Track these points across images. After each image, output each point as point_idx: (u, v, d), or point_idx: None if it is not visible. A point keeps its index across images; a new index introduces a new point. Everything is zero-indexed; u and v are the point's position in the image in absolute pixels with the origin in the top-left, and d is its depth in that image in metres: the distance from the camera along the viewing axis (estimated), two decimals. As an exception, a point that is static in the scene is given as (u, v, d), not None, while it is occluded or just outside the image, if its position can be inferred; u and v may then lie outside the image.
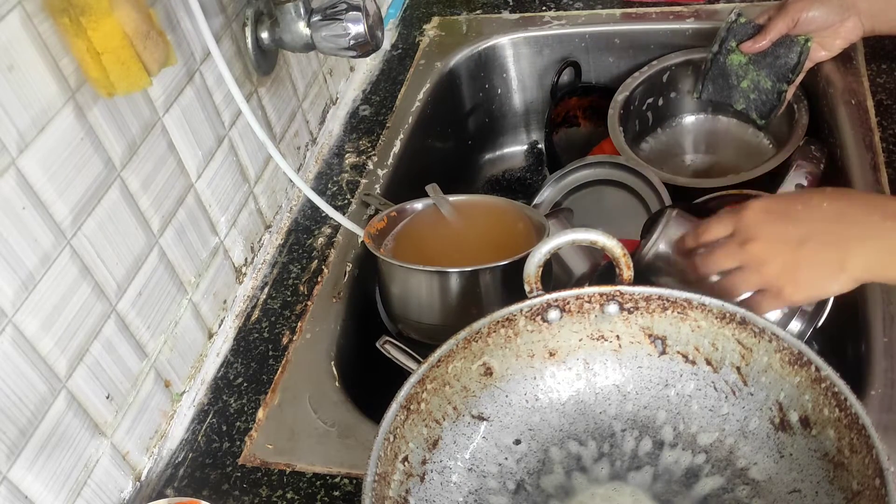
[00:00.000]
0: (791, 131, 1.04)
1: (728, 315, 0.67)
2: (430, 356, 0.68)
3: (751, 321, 0.66)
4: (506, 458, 0.71)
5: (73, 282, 0.68)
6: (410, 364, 0.79)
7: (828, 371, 0.61)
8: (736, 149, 1.18)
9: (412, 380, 0.66)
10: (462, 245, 0.92)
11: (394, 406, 0.64)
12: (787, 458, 0.65)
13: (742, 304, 0.67)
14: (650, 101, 1.19)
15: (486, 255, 0.83)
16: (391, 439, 0.63)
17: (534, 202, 1.13)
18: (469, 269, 0.83)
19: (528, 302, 0.70)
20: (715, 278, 0.72)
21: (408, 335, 0.91)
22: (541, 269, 0.70)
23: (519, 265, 0.73)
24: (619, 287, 0.70)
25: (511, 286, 0.82)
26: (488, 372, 0.72)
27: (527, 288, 0.71)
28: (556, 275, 0.94)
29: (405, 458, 0.65)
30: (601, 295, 0.71)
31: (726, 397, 0.70)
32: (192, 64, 0.83)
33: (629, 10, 1.26)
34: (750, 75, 1.04)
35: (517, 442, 0.72)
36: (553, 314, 0.71)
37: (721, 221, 0.70)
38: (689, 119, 1.22)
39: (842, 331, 0.83)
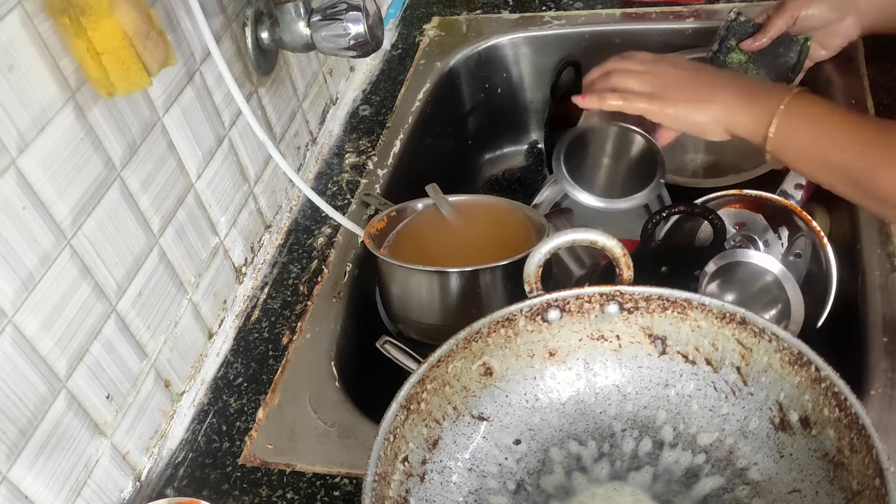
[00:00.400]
0: (791, 131, 1.04)
1: (728, 315, 0.67)
2: (430, 356, 0.68)
3: (751, 321, 0.66)
4: (506, 458, 0.71)
5: (73, 282, 0.68)
6: (410, 364, 0.79)
7: (828, 371, 0.61)
8: (736, 149, 1.17)
9: (412, 380, 0.66)
10: (462, 245, 0.92)
11: (394, 406, 0.64)
12: (787, 458, 0.65)
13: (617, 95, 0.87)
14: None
15: (486, 255, 0.83)
16: (391, 439, 0.63)
17: (534, 202, 1.13)
18: (469, 269, 0.83)
19: (528, 302, 0.70)
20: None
21: (408, 335, 0.91)
22: (541, 269, 0.70)
23: (519, 265, 0.73)
24: (619, 287, 0.70)
25: (511, 286, 0.82)
26: (488, 372, 0.72)
27: (527, 288, 0.71)
28: (555, 275, 0.94)
29: (405, 458, 0.65)
30: (601, 295, 0.71)
31: (726, 397, 0.70)
32: (192, 64, 0.83)
33: (629, 10, 1.26)
34: (750, 74, 1.04)
35: (517, 442, 0.72)
36: (553, 314, 0.71)
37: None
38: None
39: (842, 331, 0.83)
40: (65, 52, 0.65)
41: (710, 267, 0.85)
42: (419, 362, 0.69)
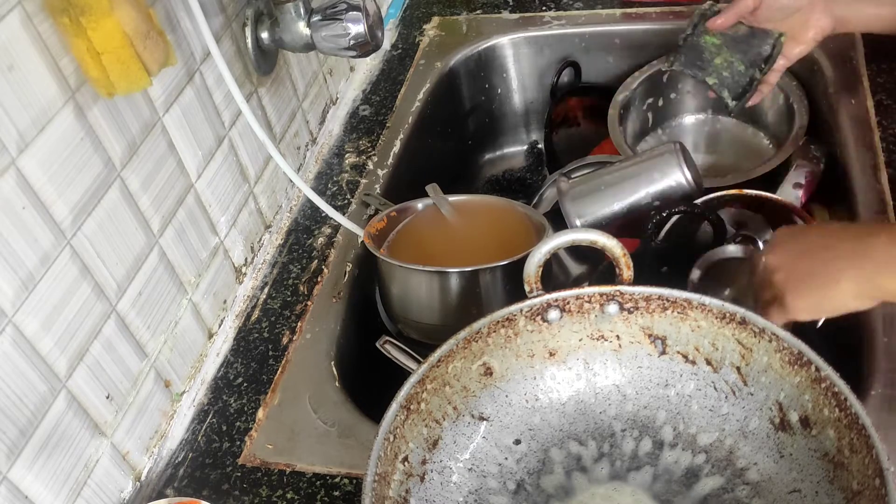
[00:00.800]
0: (791, 131, 1.04)
1: (728, 315, 0.67)
2: (430, 356, 0.68)
3: (751, 321, 0.66)
4: (506, 458, 0.71)
5: (73, 282, 0.68)
6: (410, 364, 0.79)
7: (828, 371, 0.61)
8: (736, 149, 1.18)
9: (412, 380, 0.66)
10: (462, 245, 0.92)
11: (394, 406, 0.64)
12: (787, 458, 0.65)
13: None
14: (650, 101, 1.19)
15: (486, 255, 0.83)
16: (391, 439, 0.63)
17: (534, 202, 1.13)
18: (469, 269, 0.83)
19: (528, 302, 0.70)
20: None
21: (408, 335, 0.91)
22: (541, 269, 0.70)
23: (519, 265, 0.73)
24: (619, 287, 0.70)
25: (511, 286, 0.82)
26: (488, 372, 0.72)
27: (527, 288, 0.71)
28: (555, 275, 0.94)
29: (405, 458, 0.65)
30: (601, 295, 0.71)
31: (726, 397, 0.70)
32: (192, 64, 0.83)
33: (629, 10, 1.26)
34: (723, 54, 1.02)
35: (517, 442, 0.72)
36: (553, 314, 0.71)
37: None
38: (689, 119, 1.22)
39: (842, 331, 0.83)
40: (65, 52, 0.65)
41: (695, 274, 0.84)
42: (419, 362, 0.69)
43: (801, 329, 0.76)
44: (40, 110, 0.63)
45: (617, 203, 0.91)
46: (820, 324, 0.83)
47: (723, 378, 0.70)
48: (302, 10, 0.91)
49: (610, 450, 0.71)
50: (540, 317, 0.71)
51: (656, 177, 0.89)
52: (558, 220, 0.93)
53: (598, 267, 0.97)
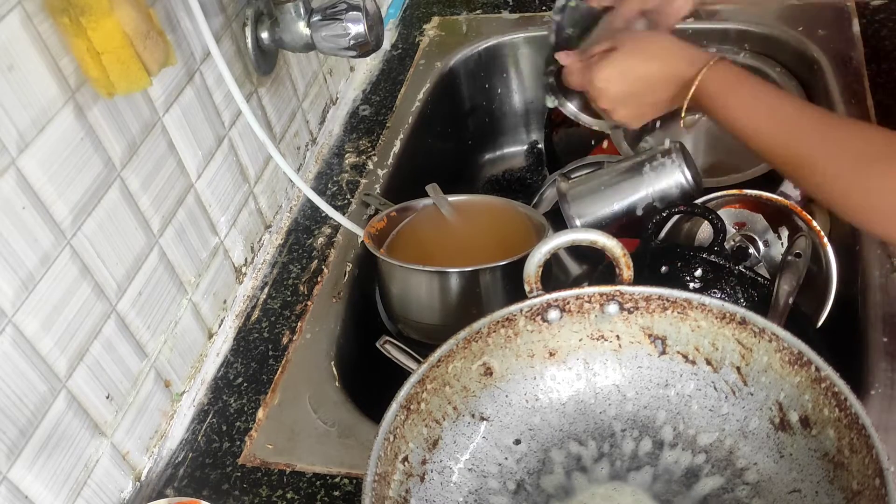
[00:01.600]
0: (791, 131, 1.04)
1: (728, 315, 0.67)
2: (430, 356, 0.68)
3: (751, 321, 0.66)
4: (506, 458, 0.71)
5: (73, 282, 0.68)
6: (410, 364, 0.79)
7: (828, 371, 0.61)
8: (736, 149, 1.17)
9: (412, 380, 0.66)
10: (462, 245, 0.92)
11: (394, 406, 0.64)
12: (787, 458, 0.65)
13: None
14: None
15: (486, 255, 0.83)
16: (391, 439, 0.63)
17: (534, 202, 1.13)
18: (469, 269, 0.83)
19: (528, 302, 0.70)
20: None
21: (408, 335, 0.91)
22: (541, 269, 0.70)
23: (519, 265, 0.73)
24: (619, 287, 0.70)
25: (511, 286, 0.82)
26: (488, 372, 0.72)
27: (527, 288, 0.71)
28: (555, 275, 0.94)
29: (405, 458, 0.65)
30: (601, 295, 0.71)
31: (726, 397, 0.70)
32: (192, 64, 0.83)
33: (629, 10, 1.26)
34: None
35: (517, 442, 0.72)
36: (553, 314, 0.71)
37: (574, 68, 0.92)
38: (688, 119, 1.21)
39: (842, 331, 0.83)
40: (65, 52, 0.65)
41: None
42: (419, 362, 0.69)
43: (800, 329, 0.76)
44: (40, 110, 0.63)
45: (617, 203, 0.91)
46: (819, 324, 0.83)
47: (723, 378, 0.70)
48: (302, 10, 0.91)
49: (610, 450, 0.71)
50: (540, 317, 0.71)
51: (656, 177, 0.89)
52: (558, 220, 0.94)
53: (598, 267, 0.97)
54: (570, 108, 1.03)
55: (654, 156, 0.90)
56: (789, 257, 0.84)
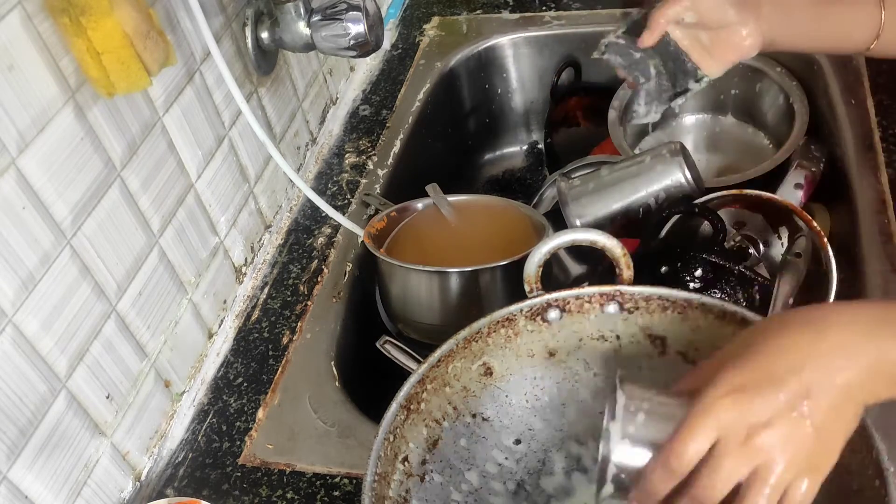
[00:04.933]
0: (791, 131, 1.04)
1: (728, 315, 0.67)
2: (431, 356, 0.68)
3: (751, 321, 0.66)
4: (506, 459, 0.71)
5: (73, 282, 0.68)
6: (410, 364, 0.79)
7: None
8: (736, 149, 1.17)
9: (412, 379, 0.66)
10: (462, 245, 0.92)
11: (394, 406, 0.64)
12: None
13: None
14: None
15: (486, 255, 0.83)
16: (391, 439, 0.63)
17: (534, 202, 1.13)
18: (469, 269, 0.83)
19: (528, 302, 0.70)
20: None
21: (408, 335, 0.91)
22: (541, 269, 0.70)
23: (519, 265, 0.73)
24: (619, 287, 0.70)
25: (511, 286, 0.82)
26: (488, 372, 0.72)
27: (527, 288, 0.71)
28: (554, 275, 0.94)
29: (405, 459, 0.65)
30: (601, 295, 0.71)
31: None
32: (192, 64, 0.83)
33: (629, 10, 1.26)
34: (655, 60, 0.91)
35: (517, 442, 0.72)
36: (553, 314, 0.71)
37: (694, 430, 0.50)
38: (689, 119, 1.21)
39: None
40: (65, 52, 0.65)
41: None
42: (419, 362, 0.69)
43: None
44: (40, 110, 0.63)
45: (617, 203, 0.91)
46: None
47: None
48: (302, 10, 0.91)
49: None
50: (540, 317, 0.71)
51: (656, 177, 0.89)
52: (558, 220, 0.93)
53: (597, 267, 0.97)
54: None
55: (654, 156, 0.90)
56: (789, 257, 0.84)
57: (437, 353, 0.68)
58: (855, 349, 0.52)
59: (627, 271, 0.70)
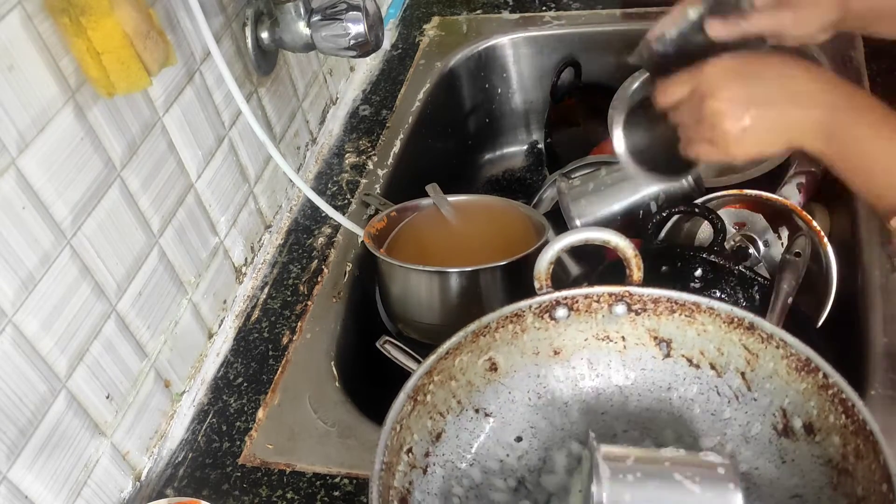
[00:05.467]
0: (791, 131, 1.04)
1: (736, 320, 0.67)
2: (439, 347, 0.67)
3: (759, 326, 0.66)
4: (507, 455, 0.71)
5: (73, 282, 0.68)
6: (410, 364, 0.79)
7: (836, 378, 0.61)
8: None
9: (420, 370, 0.66)
10: (462, 245, 0.92)
11: (401, 396, 0.64)
12: (789, 464, 0.65)
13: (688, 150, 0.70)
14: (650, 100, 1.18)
15: (486, 255, 0.83)
16: (398, 429, 0.63)
17: (534, 202, 1.13)
18: (469, 269, 0.83)
19: (537, 298, 0.70)
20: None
21: (408, 335, 0.91)
22: (552, 265, 0.70)
23: (519, 265, 0.73)
24: (628, 288, 0.70)
25: (511, 286, 0.82)
26: (493, 367, 0.72)
27: (536, 285, 0.70)
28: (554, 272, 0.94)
29: (409, 450, 0.65)
30: (610, 295, 0.71)
31: (729, 402, 0.70)
32: (192, 64, 0.83)
33: (629, 10, 1.26)
34: None
35: (519, 439, 0.72)
36: (561, 312, 0.71)
37: (679, 81, 0.69)
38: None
39: (842, 331, 0.83)
40: (65, 52, 0.65)
41: (617, 120, 0.78)
42: (419, 362, 0.69)
43: (801, 329, 0.76)
44: (40, 110, 0.63)
45: (617, 203, 0.91)
46: (819, 324, 0.83)
47: (726, 383, 0.70)
48: (302, 10, 0.91)
49: None
50: (548, 314, 0.71)
51: None
52: (558, 220, 0.94)
53: (597, 268, 0.97)
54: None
55: None
56: (789, 257, 0.84)
57: (447, 345, 0.67)
58: (814, 101, 0.65)
59: (638, 272, 0.70)
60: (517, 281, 0.73)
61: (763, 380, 0.67)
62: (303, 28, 0.92)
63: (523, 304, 0.70)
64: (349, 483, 0.76)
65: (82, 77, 0.66)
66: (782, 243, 0.91)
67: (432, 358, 0.67)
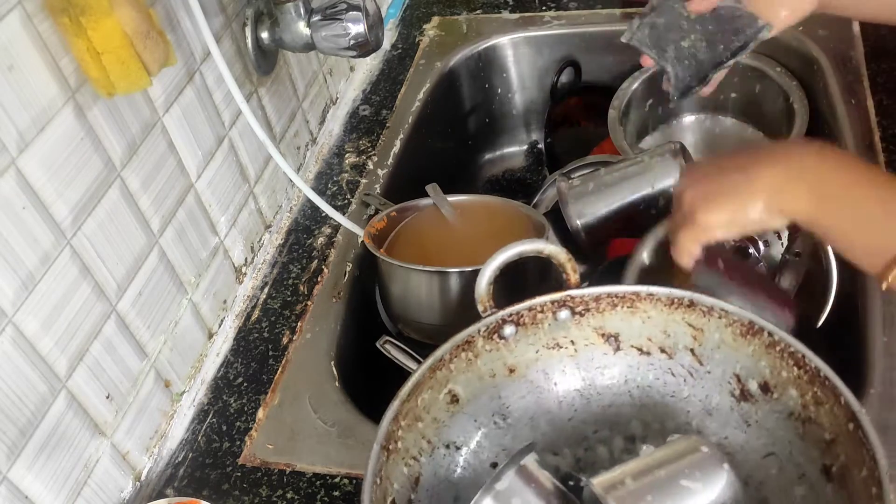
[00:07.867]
0: (791, 131, 1.04)
1: (676, 300, 0.68)
2: (400, 391, 0.66)
3: (698, 302, 0.67)
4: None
5: (73, 282, 0.68)
6: (410, 364, 0.79)
7: (781, 334, 0.63)
8: (735, 148, 1.17)
9: (387, 417, 0.64)
10: (462, 245, 0.92)
11: (375, 448, 0.63)
12: (755, 426, 0.67)
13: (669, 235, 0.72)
14: (650, 101, 1.19)
15: (486, 255, 0.83)
16: (378, 482, 0.62)
17: (534, 202, 1.13)
18: (469, 269, 0.83)
19: (483, 321, 0.70)
20: None
21: (408, 335, 0.91)
22: (492, 286, 0.70)
23: (519, 265, 0.72)
24: (568, 292, 0.70)
25: (510, 286, 0.82)
26: (455, 399, 0.71)
27: (480, 308, 0.70)
28: (555, 276, 0.94)
29: (392, 501, 0.64)
30: (552, 302, 0.71)
31: (685, 380, 0.71)
32: (192, 64, 0.83)
33: (629, 10, 1.26)
34: (694, 36, 0.86)
35: (494, 465, 0.71)
36: (508, 330, 0.71)
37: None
38: (688, 119, 1.22)
39: (842, 331, 0.83)
40: (65, 52, 0.65)
41: (643, 256, 0.81)
42: (419, 362, 0.69)
43: (800, 329, 0.77)
44: (40, 110, 0.63)
45: (617, 203, 0.91)
46: (819, 324, 0.83)
47: (678, 363, 0.71)
48: (302, 10, 0.91)
49: (585, 454, 0.71)
50: (496, 334, 0.71)
51: (656, 177, 0.89)
52: (558, 220, 0.93)
53: (597, 267, 0.97)
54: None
55: (654, 156, 0.90)
56: (789, 257, 0.84)
57: (406, 388, 0.66)
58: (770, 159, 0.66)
59: (574, 275, 0.71)
60: (517, 281, 0.73)
61: (712, 351, 0.69)
62: (303, 28, 0.92)
63: (472, 329, 0.70)
64: (349, 483, 0.76)
65: (82, 77, 0.66)
66: (782, 243, 0.91)
67: (395, 403, 0.65)
